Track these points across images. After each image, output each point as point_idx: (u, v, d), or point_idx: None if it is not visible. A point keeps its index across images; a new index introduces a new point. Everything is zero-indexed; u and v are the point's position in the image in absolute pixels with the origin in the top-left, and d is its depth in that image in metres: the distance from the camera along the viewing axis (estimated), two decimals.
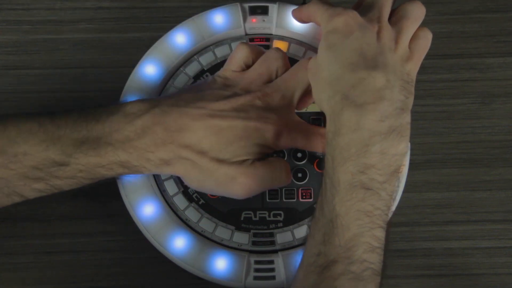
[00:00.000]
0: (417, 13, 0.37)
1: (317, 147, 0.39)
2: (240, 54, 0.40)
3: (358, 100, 0.33)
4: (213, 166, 0.36)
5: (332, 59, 0.35)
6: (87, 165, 0.36)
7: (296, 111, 0.40)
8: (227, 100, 0.37)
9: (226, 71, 0.40)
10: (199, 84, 0.41)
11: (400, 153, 0.34)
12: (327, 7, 0.37)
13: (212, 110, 0.37)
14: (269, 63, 0.39)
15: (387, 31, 0.35)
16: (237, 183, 0.37)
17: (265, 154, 0.38)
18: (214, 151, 0.36)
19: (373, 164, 0.33)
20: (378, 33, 0.35)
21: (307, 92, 0.40)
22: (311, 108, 0.45)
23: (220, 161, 0.36)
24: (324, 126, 0.37)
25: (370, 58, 0.34)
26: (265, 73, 0.39)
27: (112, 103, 0.39)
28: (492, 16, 0.53)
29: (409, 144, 0.35)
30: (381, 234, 0.33)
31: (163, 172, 0.38)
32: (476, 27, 0.53)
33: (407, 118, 0.35)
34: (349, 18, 0.35)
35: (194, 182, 0.38)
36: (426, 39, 0.37)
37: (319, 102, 0.37)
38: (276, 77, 0.40)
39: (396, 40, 0.36)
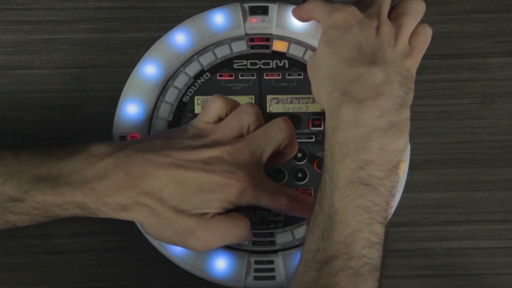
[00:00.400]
0: (417, 9, 0.37)
1: (281, 209, 0.39)
2: (214, 106, 0.39)
3: (357, 96, 0.33)
4: (172, 216, 0.36)
5: (331, 54, 0.35)
6: (42, 203, 0.36)
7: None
8: (195, 151, 0.37)
9: (199, 122, 0.40)
10: (171, 131, 0.40)
11: (400, 149, 0.34)
12: (326, 4, 0.37)
13: (178, 159, 0.36)
14: (241, 117, 0.39)
15: (387, 27, 0.35)
16: (195, 236, 0.36)
17: (227, 209, 0.38)
18: (174, 201, 0.36)
19: (372, 160, 0.33)
20: (377, 28, 0.35)
21: (278, 152, 0.40)
22: (311, 108, 0.45)
23: (180, 211, 0.36)
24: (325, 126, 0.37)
25: (369, 54, 0.34)
26: (237, 128, 0.38)
27: (82, 143, 0.38)
28: (492, 16, 0.53)
29: (408, 140, 0.35)
30: (380, 229, 0.33)
31: (120, 217, 0.37)
32: (476, 27, 0.53)
33: (406, 114, 0.35)
34: (348, 13, 0.35)
35: (152, 230, 0.37)
36: (426, 34, 0.37)
37: (318, 97, 0.37)
38: (248, 132, 0.39)
39: (396, 36, 0.36)
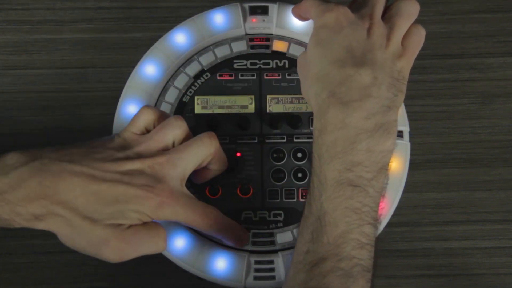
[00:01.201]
0: (410, 10, 0.36)
1: (198, 226, 0.38)
2: (142, 117, 0.39)
3: (344, 97, 0.33)
4: (86, 226, 0.35)
5: (321, 54, 0.35)
6: None
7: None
8: (115, 162, 0.36)
9: (126, 132, 0.39)
10: (96, 140, 0.39)
11: (387, 150, 0.34)
12: (320, 3, 0.37)
13: (96, 169, 0.35)
14: (166, 130, 0.38)
15: (379, 28, 0.35)
16: (109, 246, 0.36)
17: (143, 222, 0.37)
18: (88, 211, 0.35)
19: (360, 161, 0.33)
20: (369, 29, 0.35)
21: (204, 167, 0.40)
22: (311, 108, 0.45)
23: (94, 221, 0.35)
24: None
25: (358, 55, 0.34)
26: (161, 140, 0.38)
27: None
28: (492, 16, 0.53)
29: (396, 141, 0.35)
30: (370, 230, 0.33)
31: (35, 227, 0.36)
32: (476, 27, 0.53)
33: (394, 115, 0.35)
34: (340, 14, 0.35)
35: (67, 240, 0.36)
36: (419, 35, 0.37)
37: (307, 97, 0.37)
38: (173, 146, 0.39)
39: (388, 37, 0.35)
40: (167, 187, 0.36)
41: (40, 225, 0.35)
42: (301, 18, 0.43)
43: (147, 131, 0.39)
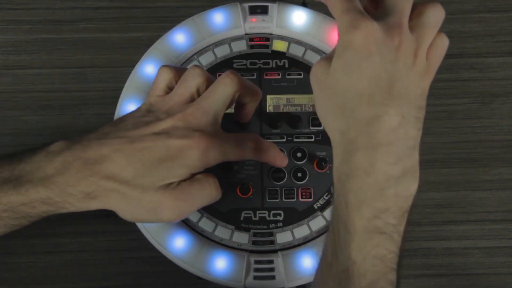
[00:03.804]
0: (438, 18, 0.34)
1: (249, 155, 0.39)
2: (161, 78, 0.39)
3: (372, 141, 0.32)
4: (138, 194, 0.35)
5: (348, 84, 0.32)
6: (8, 204, 0.36)
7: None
8: (148, 125, 0.37)
9: (150, 97, 0.39)
10: (123, 115, 0.40)
11: (413, 193, 0.33)
12: (347, 11, 0.33)
13: (131, 137, 0.36)
14: (188, 82, 0.38)
15: (407, 45, 0.32)
16: (165, 207, 0.36)
17: (194, 174, 0.37)
18: (137, 179, 0.35)
19: (387, 207, 0.32)
20: (398, 48, 0.32)
21: (240, 105, 0.40)
22: (310, 108, 0.45)
23: (145, 187, 0.35)
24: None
25: (386, 88, 0.32)
26: (186, 93, 0.38)
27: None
28: (492, 16, 0.53)
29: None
30: (394, 277, 0.32)
31: (90, 207, 0.36)
32: (476, 27, 0.53)
33: (417, 155, 0.34)
34: (369, 34, 0.31)
35: (126, 213, 0.37)
36: (443, 46, 0.34)
37: (328, 127, 0.35)
38: (199, 95, 0.39)
39: (415, 53, 0.33)
40: (205, 133, 0.37)
41: (94, 204, 0.36)
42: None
43: (170, 89, 0.39)
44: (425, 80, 0.34)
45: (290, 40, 0.46)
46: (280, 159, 0.40)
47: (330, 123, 0.34)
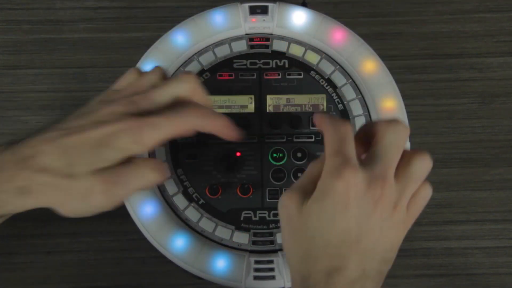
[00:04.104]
0: (425, 170, 0.33)
1: (191, 126, 0.36)
2: (127, 76, 0.39)
3: None
4: (69, 183, 0.34)
5: (318, 230, 0.32)
6: None
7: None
8: (88, 115, 0.35)
9: (106, 91, 0.39)
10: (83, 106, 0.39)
11: None
12: (336, 151, 0.32)
13: (70, 128, 0.35)
14: (145, 75, 0.38)
15: (388, 197, 0.32)
16: (96, 192, 0.34)
17: (129, 157, 0.36)
18: (68, 168, 0.34)
19: None
20: (378, 200, 0.31)
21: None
22: (310, 109, 0.45)
23: (76, 175, 0.34)
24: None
25: (354, 242, 0.32)
26: (138, 84, 0.38)
27: None
28: (492, 16, 0.53)
29: None
30: None
31: (26, 205, 0.35)
32: (476, 27, 0.53)
33: None
34: (351, 186, 0.31)
35: (64, 207, 0.36)
36: (426, 198, 0.34)
37: (291, 267, 0.35)
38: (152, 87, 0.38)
39: (395, 204, 0.32)
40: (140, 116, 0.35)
41: (30, 201, 0.35)
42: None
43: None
44: (399, 231, 0.33)
45: (290, 40, 0.46)
46: (227, 129, 0.38)
47: (294, 266, 0.34)
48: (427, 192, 0.34)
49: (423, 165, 0.33)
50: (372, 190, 0.32)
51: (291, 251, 0.34)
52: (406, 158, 0.33)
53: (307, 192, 0.33)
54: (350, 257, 0.32)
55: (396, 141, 0.32)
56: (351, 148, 0.32)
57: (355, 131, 0.35)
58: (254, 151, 0.44)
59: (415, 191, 0.33)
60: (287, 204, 0.33)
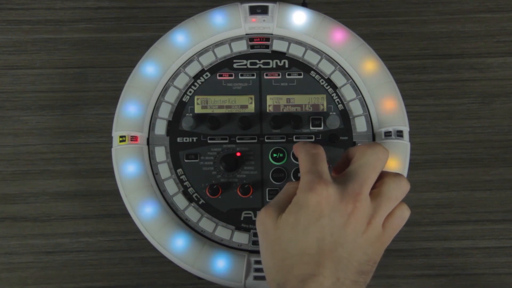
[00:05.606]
0: (401, 191, 0.34)
1: None
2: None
3: None
4: None
5: (293, 241, 0.33)
6: None
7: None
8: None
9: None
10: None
11: None
12: (309, 169, 0.34)
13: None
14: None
15: (362, 212, 0.33)
16: None
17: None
18: None
19: None
20: (351, 214, 0.33)
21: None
22: (310, 108, 0.45)
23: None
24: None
25: (327, 251, 0.33)
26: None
27: None
28: (492, 16, 0.53)
29: None
30: None
31: None
32: (476, 27, 0.53)
33: None
34: (323, 199, 0.32)
35: None
36: (402, 218, 0.35)
37: (268, 277, 0.35)
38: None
39: (370, 220, 0.33)
40: None
41: None
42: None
43: None
44: (375, 247, 0.34)
45: (290, 40, 0.46)
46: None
47: (270, 275, 0.35)
48: (404, 213, 0.35)
49: (399, 186, 0.34)
50: (344, 204, 0.33)
51: (268, 263, 0.35)
52: (382, 179, 0.34)
53: (283, 208, 0.34)
54: (325, 264, 0.33)
55: (373, 162, 0.34)
56: (323, 166, 0.34)
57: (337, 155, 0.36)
58: (254, 151, 0.44)
59: (392, 211, 0.34)
60: (263, 219, 0.34)
